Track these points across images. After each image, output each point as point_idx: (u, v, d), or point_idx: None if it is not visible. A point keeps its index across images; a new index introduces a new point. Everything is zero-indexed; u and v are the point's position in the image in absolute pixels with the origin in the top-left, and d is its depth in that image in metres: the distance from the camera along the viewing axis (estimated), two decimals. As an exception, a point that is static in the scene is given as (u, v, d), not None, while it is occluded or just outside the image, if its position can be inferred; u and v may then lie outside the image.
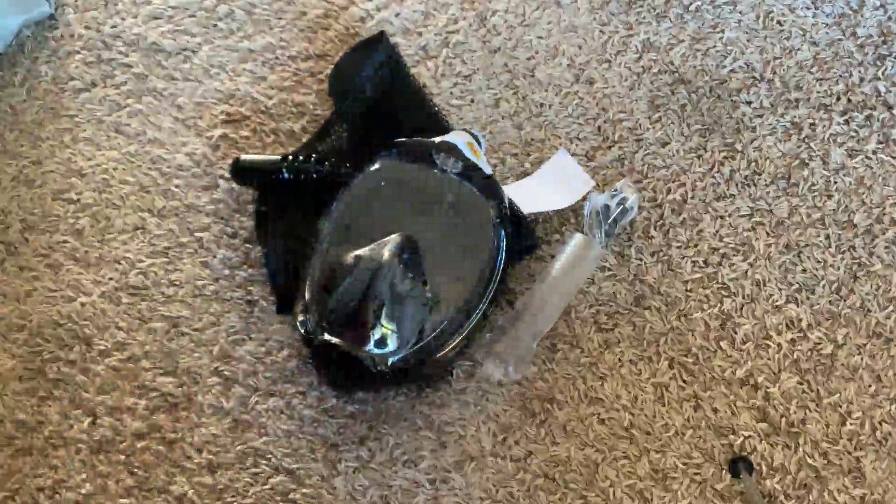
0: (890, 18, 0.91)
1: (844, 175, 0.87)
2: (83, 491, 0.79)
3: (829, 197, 0.86)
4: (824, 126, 0.88)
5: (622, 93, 0.90)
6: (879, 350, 0.81)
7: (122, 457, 0.80)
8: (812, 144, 0.88)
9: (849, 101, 0.89)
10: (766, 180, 0.87)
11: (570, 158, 0.88)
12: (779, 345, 0.82)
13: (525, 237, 0.83)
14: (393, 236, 0.76)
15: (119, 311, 0.85)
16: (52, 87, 0.93)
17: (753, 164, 0.87)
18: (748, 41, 0.91)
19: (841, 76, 0.90)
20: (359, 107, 0.89)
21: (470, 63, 0.92)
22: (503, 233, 0.80)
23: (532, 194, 0.86)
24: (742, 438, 0.79)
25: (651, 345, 0.82)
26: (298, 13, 0.95)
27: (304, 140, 0.89)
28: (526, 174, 0.88)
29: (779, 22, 0.92)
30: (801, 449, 0.79)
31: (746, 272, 0.84)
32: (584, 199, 0.85)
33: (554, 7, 0.94)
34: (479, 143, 0.85)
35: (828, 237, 0.85)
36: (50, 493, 0.79)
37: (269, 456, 0.79)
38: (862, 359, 0.81)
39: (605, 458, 0.79)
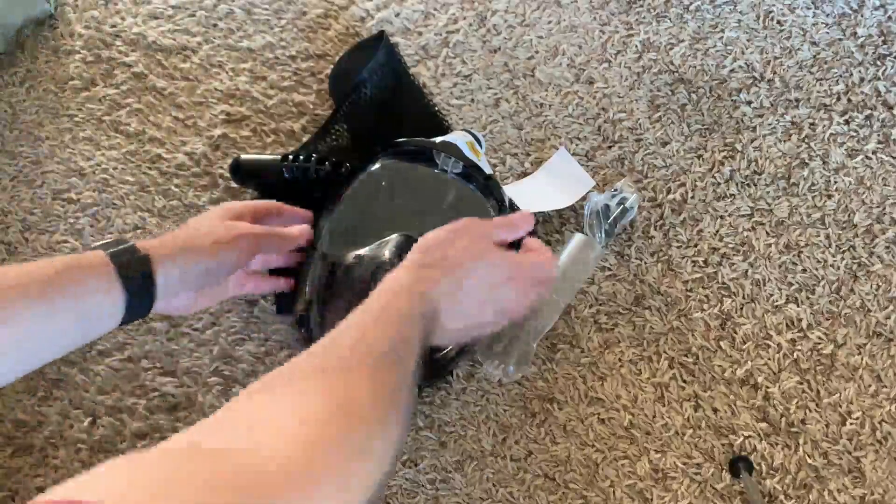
0: (890, 18, 0.91)
1: (844, 175, 0.87)
2: (83, 491, 0.79)
3: (829, 197, 0.86)
4: (824, 126, 0.88)
5: (622, 93, 0.90)
6: (879, 350, 0.81)
7: (122, 457, 0.80)
8: (812, 144, 0.88)
9: (849, 101, 0.89)
10: (766, 180, 0.87)
11: (571, 158, 0.88)
12: (779, 345, 0.82)
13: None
14: (393, 236, 0.76)
15: (119, 310, 0.85)
16: (52, 86, 0.93)
17: (753, 164, 0.87)
18: (748, 41, 0.91)
19: (841, 76, 0.90)
20: (359, 106, 0.89)
21: (470, 63, 0.92)
22: None
23: (532, 194, 0.86)
24: (742, 438, 0.79)
25: (651, 345, 0.82)
26: (298, 13, 0.95)
27: (305, 140, 0.89)
28: (526, 174, 0.88)
29: (779, 22, 0.92)
30: (801, 449, 0.79)
31: (746, 272, 0.84)
32: (584, 199, 0.85)
33: (554, 7, 0.94)
34: (479, 144, 0.85)
35: (828, 237, 0.85)
36: (50, 493, 0.79)
37: (269, 456, 0.79)
38: (862, 359, 0.81)
39: (605, 458, 0.79)
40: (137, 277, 0.61)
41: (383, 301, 0.58)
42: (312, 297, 0.78)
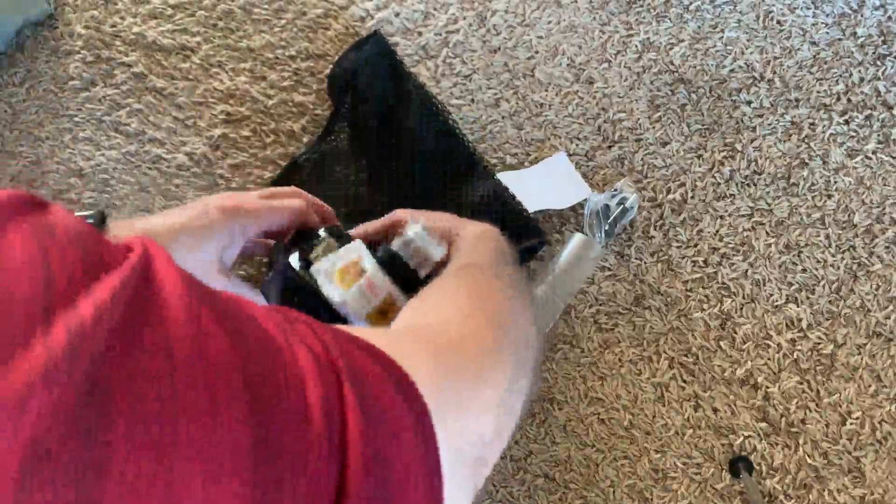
0: (890, 18, 0.91)
1: (844, 175, 0.87)
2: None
3: (829, 197, 0.86)
4: (824, 126, 0.88)
5: (622, 93, 0.90)
6: (879, 350, 0.81)
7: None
8: (812, 144, 0.88)
9: (849, 101, 0.89)
10: (766, 180, 0.87)
11: (570, 164, 0.87)
12: (779, 345, 0.82)
13: (531, 234, 0.83)
14: None
15: (119, 311, 0.85)
16: (52, 86, 0.93)
17: (753, 164, 0.87)
18: (748, 41, 0.91)
19: (841, 76, 0.90)
20: (358, 105, 0.88)
21: (470, 63, 0.92)
22: None
23: (527, 187, 0.86)
24: (742, 438, 0.79)
25: (651, 345, 0.82)
26: (298, 13, 0.95)
27: (305, 140, 0.89)
28: (526, 174, 0.88)
29: (779, 22, 0.92)
30: (801, 449, 0.79)
31: (746, 272, 0.84)
32: (584, 199, 0.85)
33: (554, 7, 0.94)
34: (409, 281, 0.63)
35: (828, 237, 0.85)
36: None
37: (270, 456, 0.79)
38: (862, 359, 0.81)
39: (605, 458, 0.79)
40: None
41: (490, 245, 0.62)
42: None
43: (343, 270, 0.61)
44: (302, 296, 0.62)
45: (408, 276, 0.62)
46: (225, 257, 0.62)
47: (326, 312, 0.60)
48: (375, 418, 0.30)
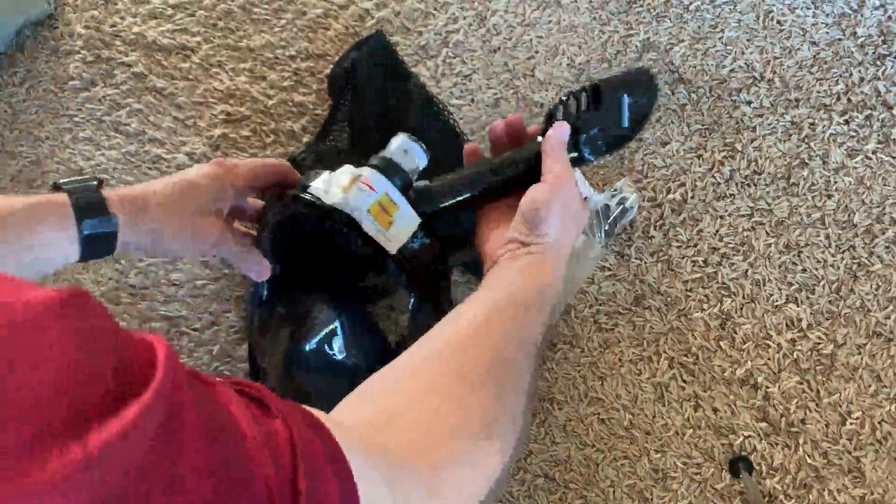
0: (890, 18, 0.91)
1: (844, 175, 0.87)
2: (83, 491, 0.79)
3: (829, 197, 0.86)
4: (824, 126, 0.88)
5: (622, 93, 0.90)
6: (879, 350, 0.81)
7: (122, 457, 0.80)
8: (812, 144, 0.88)
9: (849, 101, 0.89)
10: (766, 180, 0.87)
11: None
12: (779, 345, 0.82)
13: None
14: (325, 327, 0.72)
15: (119, 311, 0.85)
16: (51, 86, 0.93)
17: (753, 164, 0.87)
18: (748, 41, 0.91)
19: (841, 76, 0.90)
20: (357, 105, 0.88)
21: (470, 63, 0.92)
22: (419, 315, 0.71)
23: None
24: (742, 438, 0.79)
25: (651, 345, 0.82)
26: (298, 12, 0.95)
27: (305, 140, 0.89)
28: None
29: (779, 22, 0.92)
30: (801, 449, 0.79)
31: (746, 272, 0.84)
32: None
33: (554, 7, 0.94)
34: (402, 185, 0.66)
35: (828, 237, 0.85)
36: (50, 493, 0.79)
37: (270, 456, 0.79)
38: (862, 358, 0.81)
39: (605, 458, 0.79)
40: (92, 210, 0.58)
41: (510, 312, 0.58)
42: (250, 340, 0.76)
43: (340, 184, 0.63)
44: (296, 223, 0.66)
45: (404, 179, 0.65)
46: (219, 205, 0.67)
47: (326, 229, 0.63)
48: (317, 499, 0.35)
